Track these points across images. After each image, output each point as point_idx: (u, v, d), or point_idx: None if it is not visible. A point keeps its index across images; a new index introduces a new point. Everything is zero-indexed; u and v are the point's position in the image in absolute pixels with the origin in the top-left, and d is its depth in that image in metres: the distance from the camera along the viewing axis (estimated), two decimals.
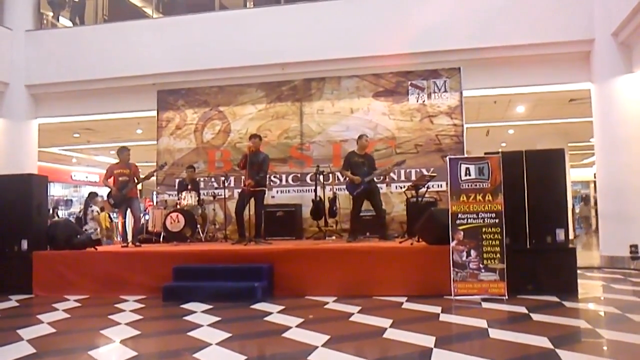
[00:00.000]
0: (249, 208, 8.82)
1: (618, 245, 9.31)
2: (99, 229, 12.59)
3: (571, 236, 10.66)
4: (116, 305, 6.80)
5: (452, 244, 6.73)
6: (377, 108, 10.78)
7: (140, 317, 6.09)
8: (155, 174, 10.09)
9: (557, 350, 4.16)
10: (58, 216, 16.03)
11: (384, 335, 4.87)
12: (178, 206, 9.95)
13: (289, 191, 10.99)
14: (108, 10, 13.09)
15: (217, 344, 4.68)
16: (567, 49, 9.94)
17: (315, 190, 10.14)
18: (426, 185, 8.88)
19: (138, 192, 9.51)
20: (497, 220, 6.68)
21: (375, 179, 8.82)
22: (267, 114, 11.23)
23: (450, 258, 6.69)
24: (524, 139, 15.78)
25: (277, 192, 10.99)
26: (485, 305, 6.20)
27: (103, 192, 11.30)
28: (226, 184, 10.55)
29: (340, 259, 7.30)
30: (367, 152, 8.95)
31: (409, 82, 10.69)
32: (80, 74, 11.66)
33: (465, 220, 6.75)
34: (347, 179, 8.76)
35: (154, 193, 11.81)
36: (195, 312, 6.21)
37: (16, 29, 12.02)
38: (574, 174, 20.57)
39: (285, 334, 5.00)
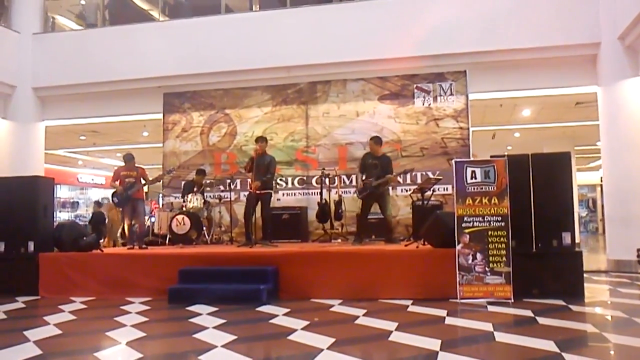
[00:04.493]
0: (256, 211, 8.83)
1: (625, 249, 9.27)
2: None
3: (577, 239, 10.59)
4: (122, 307, 6.82)
5: (458, 247, 6.72)
6: (383, 111, 10.77)
7: (146, 319, 6.11)
8: (162, 178, 10.12)
9: (564, 354, 4.15)
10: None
11: (390, 338, 4.87)
12: (184, 207, 9.96)
13: (294, 194, 10.99)
14: (115, 13, 13.13)
15: (222, 346, 4.69)
16: (574, 52, 9.92)
17: (321, 193, 10.15)
18: (432, 189, 8.87)
19: (144, 194, 9.54)
20: (503, 224, 6.66)
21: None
22: (273, 116, 11.24)
23: (456, 261, 6.68)
24: (530, 142, 15.73)
25: (283, 194, 10.99)
26: (491, 308, 6.19)
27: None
28: (232, 187, 10.56)
29: (346, 262, 7.30)
30: (383, 154, 8.90)
31: (415, 85, 10.68)
32: (87, 76, 11.71)
33: (471, 223, 6.73)
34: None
35: (160, 195, 11.82)
36: (200, 314, 6.22)
37: (24, 32, 12.09)
38: (580, 178, 20.50)
39: (290, 337, 5.01)
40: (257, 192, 8.66)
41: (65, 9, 13.87)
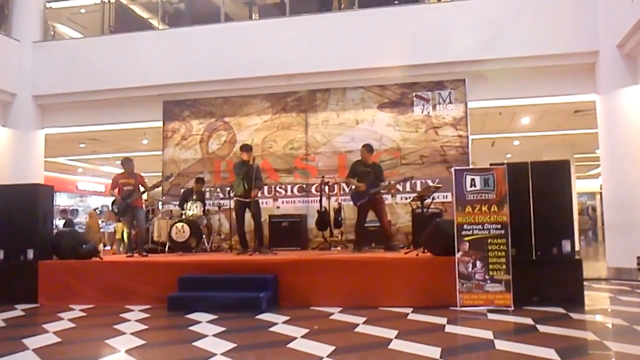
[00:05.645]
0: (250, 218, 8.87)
1: (625, 257, 9.26)
2: None
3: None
4: (121, 315, 6.81)
5: (458, 255, 6.71)
6: (382, 119, 10.78)
7: (146, 327, 6.10)
8: (161, 184, 10.12)
9: None
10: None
11: (390, 346, 4.86)
12: (183, 216, 9.96)
13: (294, 202, 10.98)
14: (114, 22, 13.18)
15: (221, 354, 4.68)
16: (572, 61, 9.94)
17: (321, 201, 10.14)
18: (431, 197, 8.87)
19: (143, 202, 9.54)
20: (502, 232, 6.66)
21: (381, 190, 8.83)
22: (273, 124, 11.25)
23: (455, 269, 6.68)
24: (529, 150, 15.77)
25: (282, 202, 10.99)
26: (491, 316, 6.18)
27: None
28: (231, 195, 10.56)
29: (346, 270, 7.29)
30: (374, 162, 8.92)
31: (414, 94, 10.70)
32: (87, 84, 11.73)
33: (471, 231, 6.73)
34: (353, 187, 8.79)
35: (160, 203, 11.82)
36: (200, 322, 6.21)
37: (24, 40, 12.12)
38: (579, 186, 20.53)
39: (290, 345, 5.00)
40: (247, 199, 8.68)
41: (65, 18, 13.92)
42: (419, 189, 10.13)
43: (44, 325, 6.23)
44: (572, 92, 10.38)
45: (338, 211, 9.89)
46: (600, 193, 13.13)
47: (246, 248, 8.76)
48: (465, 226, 6.76)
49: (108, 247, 15.70)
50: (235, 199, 9.12)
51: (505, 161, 7.23)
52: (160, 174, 11.59)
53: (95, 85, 11.69)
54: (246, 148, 9.03)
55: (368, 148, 8.92)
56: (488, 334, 5.22)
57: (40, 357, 4.72)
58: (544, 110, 11.95)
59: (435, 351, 4.58)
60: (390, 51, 10.41)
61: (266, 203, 10.64)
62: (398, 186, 9.99)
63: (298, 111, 11.18)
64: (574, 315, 6.12)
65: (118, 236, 14.48)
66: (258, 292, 6.96)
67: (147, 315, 6.81)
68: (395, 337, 5.18)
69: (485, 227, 6.71)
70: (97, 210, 21.46)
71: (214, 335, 5.46)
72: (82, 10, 13.88)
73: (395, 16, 10.57)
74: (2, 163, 11.92)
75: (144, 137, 14.06)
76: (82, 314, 7.12)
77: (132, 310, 7.16)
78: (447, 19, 10.33)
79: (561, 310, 6.38)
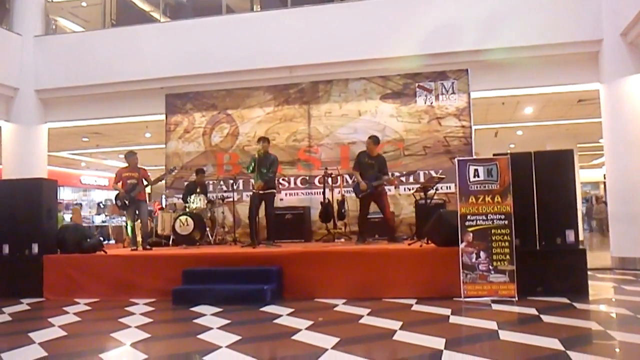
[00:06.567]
0: (259, 211, 8.83)
1: (629, 247, 9.25)
2: None
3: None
4: (126, 309, 6.83)
5: (462, 245, 6.71)
6: (385, 110, 10.76)
7: (150, 320, 6.11)
8: (164, 177, 10.12)
9: (568, 352, 4.14)
10: None
11: (394, 338, 4.87)
12: (187, 209, 9.97)
13: (297, 194, 10.99)
14: (116, 15, 13.16)
15: (227, 346, 4.69)
16: (575, 50, 9.89)
17: (324, 193, 10.15)
18: (435, 187, 8.86)
19: (147, 195, 9.55)
20: (506, 222, 6.65)
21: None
22: (275, 116, 11.24)
23: (459, 260, 6.68)
24: (532, 140, 15.73)
25: (286, 194, 10.99)
26: (495, 307, 6.18)
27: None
28: (235, 187, 10.57)
29: (350, 262, 7.30)
30: (379, 154, 8.91)
31: (417, 84, 10.67)
32: (89, 78, 11.72)
33: (475, 221, 6.73)
34: (356, 180, 8.79)
35: (163, 196, 11.83)
36: (204, 314, 6.23)
37: (25, 35, 12.11)
38: (583, 175, 20.48)
39: (294, 337, 5.01)
40: (261, 191, 8.66)
41: (67, 11, 13.91)
42: (422, 179, 10.14)
43: (49, 319, 6.25)
44: (576, 82, 10.33)
45: (341, 203, 9.89)
46: (604, 182, 13.07)
47: (254, 241, 8.74)
48: (468, 217, 6.75)
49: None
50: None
51: (509, 151, 7.21)
52: (164, 167, 11.62)
53: (98, 78, 11.68)
54: (259, 140, 9.00)
55: (374, 140, 8.87)
56: (492, 325, 5.23)
57: (46, 350, 4.74)
58: (547, 99, 11.91)
59: (439, 342, 4.59)
60: (392, 42, 10.37)
61: None
62: (401, 178, 9.96)
63: (300, 103, 11.16)
64: (578, 305, 6.11)
65: None
66: (262, 284, 6.98)
67: (151, 309, 6.84)
68: (400, 328, 5.19)
69: (488, 218, 6.70)
70: (101, 204, 21.56)
71: (219, 328, 5.48)
72: (84, 4, 13.87)
73: (397, 6, 10.52)
74: (6, 158, 11.97)
75: (146, 130, 14.07)
76: (87, 307, 7.15)
77: (136, 304, 7.19)
78: (449, 9, 10.26)
79: (565, 300, 6.38)
